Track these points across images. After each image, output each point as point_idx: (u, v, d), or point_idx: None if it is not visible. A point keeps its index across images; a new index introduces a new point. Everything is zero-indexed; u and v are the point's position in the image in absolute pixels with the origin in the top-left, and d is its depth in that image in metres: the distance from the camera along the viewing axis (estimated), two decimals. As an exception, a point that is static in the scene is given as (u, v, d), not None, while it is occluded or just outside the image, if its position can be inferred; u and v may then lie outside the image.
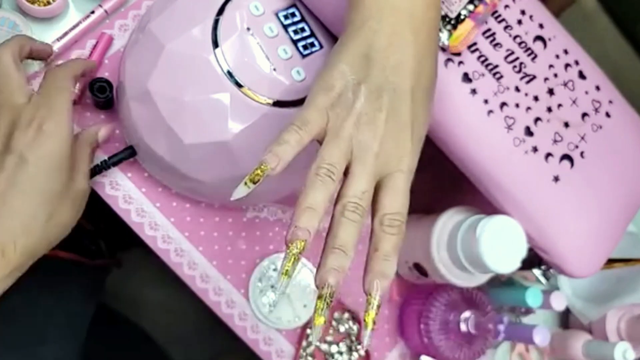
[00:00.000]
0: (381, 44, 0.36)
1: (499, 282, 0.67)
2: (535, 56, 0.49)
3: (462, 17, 0.46)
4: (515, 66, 0.48)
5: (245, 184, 0.34)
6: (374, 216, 0.35)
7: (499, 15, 0.49)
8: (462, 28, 0.46)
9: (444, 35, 0.45)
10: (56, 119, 0.41)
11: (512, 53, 0.48)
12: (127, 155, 0.49)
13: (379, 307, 0.34)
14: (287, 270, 0.33)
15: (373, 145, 0.35)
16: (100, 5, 0.50)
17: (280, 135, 0.35)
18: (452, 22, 0.46)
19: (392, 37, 0.37)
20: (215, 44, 0.44)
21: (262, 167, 0.34)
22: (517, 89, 0.48)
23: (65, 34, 0.49)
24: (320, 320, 0.33)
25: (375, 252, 0.34)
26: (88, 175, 0.44)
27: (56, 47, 0.48)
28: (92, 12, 0.50)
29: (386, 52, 0.36)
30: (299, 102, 0.45)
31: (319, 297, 0.33)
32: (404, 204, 0.36)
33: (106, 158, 0.49)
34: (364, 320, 0.34)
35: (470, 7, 0.46)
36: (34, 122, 0.40)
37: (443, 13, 0.46)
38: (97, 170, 0.48)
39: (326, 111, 0.36)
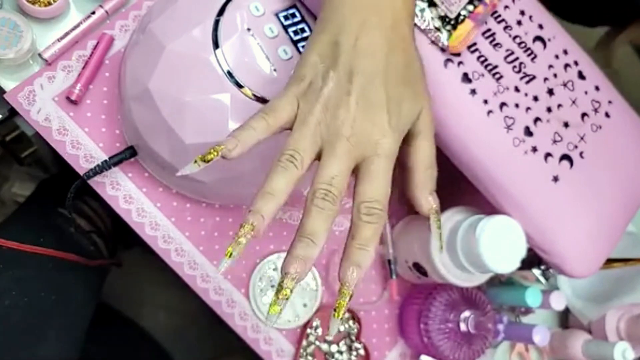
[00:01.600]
0: (349, 30, 0.36)
1: (499, 282, 0.67)
2: (535, 56, 0.49)
3: (461, 17, 0.46)
4: (515, 66, 0.48)
5: (196, 161, 0.34)
6: (353, 203, 0.35)
7: (499, 16, 0.49)
8: (461, 28, 0.46)
9: (443, 36, 0.46)
10: None
11: (512, 53, 0.49)
12: (127, 155, 0.49)
13: (351, 296, 0.33)
14: (229, 251, 0.32)
15: (342, 129, 0.35)
16: (101, 6, 0.50)
17: (247, 120, 0.35)
18: (452, 22, 0.46)
19: (360, 25, 0.37)
20: (216, 45, 0.44)
21: (217, 147, 0.34)
22: (517, 89, 0.48)
23: (66, 34, 0.49)
24: (274, 309, 0.32)
25: (352, 240, 0.34)
26: None
27: (57, 47, 0.48)
28: (93, 13, 0.50)
29: (354, 37, 0.36)
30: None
31: (279, 284, 0.33)
32: (381, 190, 0.35)
33: (107, 158, 0.49)
34: (334, 309, 0.33)
35: (470, 7, 0.47)
36: None
37: (442, 13, 0.46)
38: (97, 170, 0.48)
39: (296, 99, 0.36)
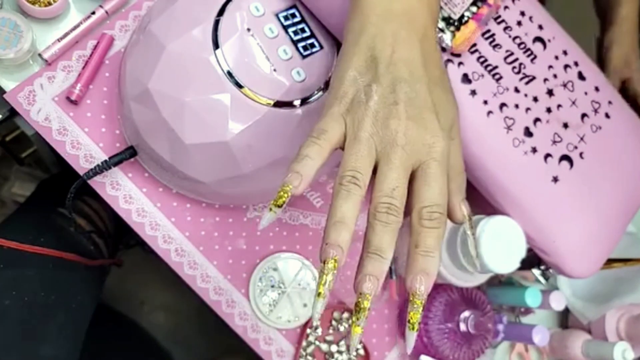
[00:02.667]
0: (383, 44, 0.36)
1: (499, 282, 0.67)
2: (535, 57, 0.49)
3: (465, 18, 0.46)
4: (514, 67, 0.48)
5: (271, 209, 0.33)
6: (412, 210, 0.34)
7: (499, 17, 0.49)
8: (465, 30, 0.46)
9: (447, 37, 0.46)
10: None
11: (512, 54, 0.49)
12: (127, 155, 0.49)
13: (423, 307, 0.33)
14: (320, 292, 0.32)
15: (396, 139, 0.34)
16: (101, 6, 0.50)
17: (299, 150, 0.34)
18: (455, 23, 0.46)
19: (391, 37, 0.37)
20: (216, 45, 0.44)
21: (285, 188, 0.33)
22: (517, 90, 0.48)
23: (66, 34, 0.49)
24: (357, 330, 0.32)
25: (416, 248, 0.33)
26: None
27: (57, 47, 0.49)
28: (93, 13, 0.50)
29: (390, 49, 0.36)
30: (299, 103, 0.45)
31: (356, 305, 0.32)
32: (440, 194, 0.34)
33: (107, 158, 0.49)
34: (409, 322, 0.33)
35: (474, 8, 0.47)
36: None
37: (446, 14, 0.46)
38: (97, 171, 0.48)
39: (342, 117, 0.35)
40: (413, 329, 0.33)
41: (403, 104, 0.35)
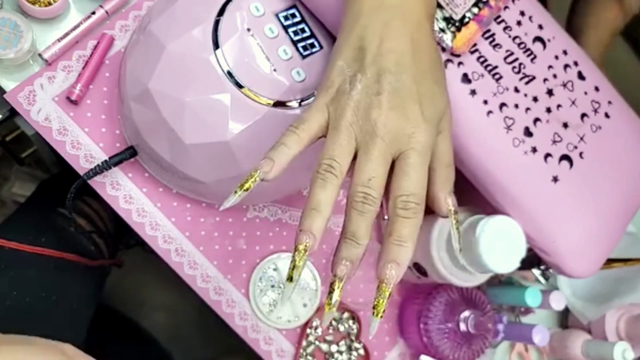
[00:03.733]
0: (373, 34, 0.37)
1: (499, 282, 0.67)
2: (535, 57, 0.49)
3: (466, 19, 0.46)
4: (514, 67, 0.48)
5: (236, 192, 0.34)
6: (390, 199, 0.35)
7: (499, 16, 0.49)
8: (466, 31, 0.46)
9: (447, 37, 0.46)
10: None
11: (512, 54, 0.49)
12: (127, 155, 0.49)
13: (389, 295, 0.33)
14: (290, 276, 0.33)
15: (376, 129, 0.35)
16: (101, 6, 0.50)
17: (279, 138, 0.35)
18: (457, 24, 0.46)
19: (382, 28, 0.37)
20: (216, 45, 0.44)
21: (253, 173, 0.34)
22: (517, 90, 0.48)
23: (66, 34, 0.49)
24: (330, 309, 0.33)
25: (389, 237, 0.34)
26: None
27: (57, 47, 0.49)
28: (93, 13, 0.50)
29: (378, 40, 0.36)
30: (299, 103, 0.45)
31: (330, 285, 0.34)
32: (418, 184, 0.35)
33: (107, 158, 0.49)
34: (373, 308, 0.33)
35: (475, 10, 0.47)
36: None
37: (447, 14, 0.46)
38: (97, 171, 0.48)
39: (326, 107, 0.36)
40: (377, 315, 0.33)
41: (386, 93, 0.35)
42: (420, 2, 0.39)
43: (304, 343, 0.56)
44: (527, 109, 0.48)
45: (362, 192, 0.34)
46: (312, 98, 0.46)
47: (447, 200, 0.39)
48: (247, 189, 0.34)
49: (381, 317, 0.33)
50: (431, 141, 0.36)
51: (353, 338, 0.58)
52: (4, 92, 0.48)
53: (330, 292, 0.34)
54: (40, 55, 0.48)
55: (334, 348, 0.58)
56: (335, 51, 0.38)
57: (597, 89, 0.52)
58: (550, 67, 0.50)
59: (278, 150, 0.35)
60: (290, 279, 0.33)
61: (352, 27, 0.38)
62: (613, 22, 0.73)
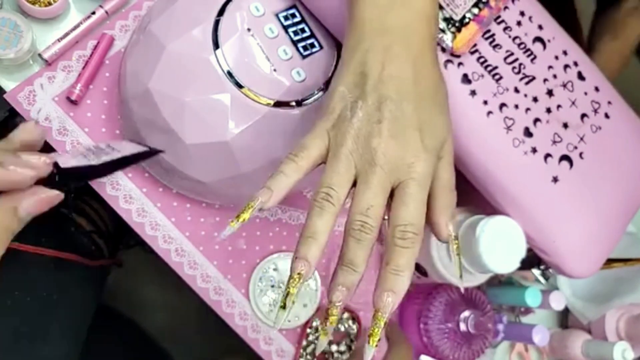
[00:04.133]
0: (374, 60, 0.36)
1: (499, 282, 0.67)
2: (535, 57, 0.49)
3: (466, 20, 0.46)
4: (514, 67, 0.48)
5: (233, 221, 0.34)
6: (389, 228, 0.35)
7: (499, 17, 0.49)
8: (466, 31, 0.46)
9: (447, 37, 0.46)
10: None
11: (512, 54, 0.49)
12: (127, 155, 0.49)
13: (385, 324, 0.33)
14: (283, 304, 0.33)
15: (375, 158, 0.34)
16: (101, 6, 0.50)
17: (278, 166, 0.35)
18: (457, 24, 0.46)
19: (384, 53, 0.36)
20: (216, 45, 0.44)
21: (251, 203, 0.34)
22: (517, 90, 0.48)
23: (66, 34, 0.49)
24: (324, 336, 0.34)
25: (387, 265, 0.34)
26: None
27: (57, 47, 0.49)
28: (93, 13, 0.50)
29: (380, 66, 0.36)
30: (299, 103, 0.45)
31: (326, 312, 0.34)
32: (416, 214, 0.34)
33: (107, 158, 0.49)
34: (369, 336, 0.33)
35: (475, 10, 0.47)
36: None
37: (448, 15, 0.46)
38: (98, 171, 0.48)
39: (327, 133, 0.36)
40: (372, 344, 0.33)
41: (387, 122, 0.35)
42: (424, 23, 0.38)
43: (304, 343, 0.56)
44: (527, 109, 0.48)
45: (360, 221, 0.34)
46: (312, 98, 0.46)
47: (447, 226, 0.38)
48: (244, 220, 0.34)
49: (376, 345, 0.33)
50: (431, 170, 0.36)
51: (353, 338, 0.59)
52: (4, 92, 0.48)
53: (326, 317, 0.34)
54: (40, 55, 0.48)
55: (334, 348, 0.58)
56: (337, 76, 0.38)
57: (597, 89, 0.52)
58: (550, 67, 0.50)
59: (277, 179, 0.34)
60: (283, 306, 0.33)
61: (353, 51, 0.37)
62: (631, 42, 0.76)
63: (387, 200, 0.35)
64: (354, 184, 0.35)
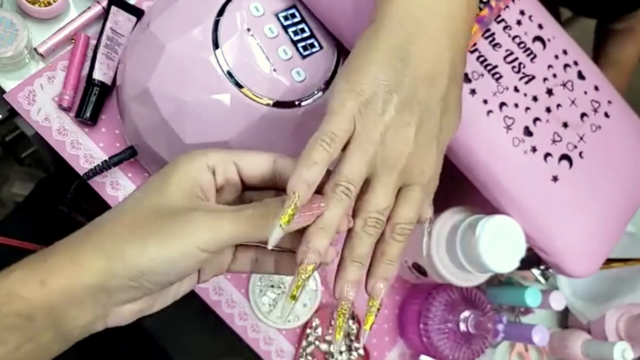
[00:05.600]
0: (417, 50, 0.34)
1: (498, 281, 0.67)
2: (535, 56, 0.49)
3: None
4: (514, 66, 0.48)
5: (281, 225, 0.31)
6: (387, 221, 0.35)
7: (499, 16, 0.49)
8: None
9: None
10: None
11: (512, 53, 0.49)
12: (127, 155, 0.49)
13: (379, 309, 0.35)
14: (293, 294, 0.32)
15: (397, 162, 0.34)
16: (98, 2, 0.50)
17: (308, 153, 0.32)
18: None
19: (428, 44, 0.35)
20: (216, 45, 0.44)
21: (293, 197, 0.31)
22: (516, 89, 0.48)
23: (61, 29, 0.49)
24: (338, 335, 0.34)
25: (382, 256, 0.35)
26: None
27: (52, 42, 0.48)
28: (89, 8, 0.50)
29: (420, 60, 0.34)
30: (299, 103, 0.45)
31: (339, 310, 0.34)
32: (416, 214, 0.36)
33: (107, 158, 0.49)
34: (365, 321, 0.34)
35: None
36: None
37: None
38: (97, 171, 0.48)
39: (354, 118, 0.34)
40: (367, 328, 0.34)
41: (415, 127, 0.34)
42: (471, 10, 0.37)
43: (304, 343, 0.56)
44: (527, 108, 0.48)
45: (375, 218, 0.34)
46: (312, 98, 0.46)
47: (426, 210, 0.38)
48: (289, 221, 0.31)
49: (370, 329, 0.35)
50: (436, 174, 0.37)
51: (353, 338, 0.58)
52: (4, 92, 0.48)
53: (340, 315, 0.34)
54: (35, 49, 0.48)
55: (334, 348, 0.58)
56: (371, 47, 0.35)
57: (596, 88, 0.52)
58: (550, 66, 0.50)
59: (312, 171, 0.32)
60: (293, 297, 0.32)
61: (397, 27, 0.34)
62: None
63: None
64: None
